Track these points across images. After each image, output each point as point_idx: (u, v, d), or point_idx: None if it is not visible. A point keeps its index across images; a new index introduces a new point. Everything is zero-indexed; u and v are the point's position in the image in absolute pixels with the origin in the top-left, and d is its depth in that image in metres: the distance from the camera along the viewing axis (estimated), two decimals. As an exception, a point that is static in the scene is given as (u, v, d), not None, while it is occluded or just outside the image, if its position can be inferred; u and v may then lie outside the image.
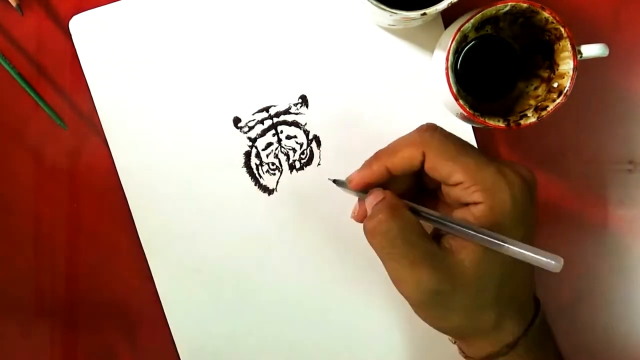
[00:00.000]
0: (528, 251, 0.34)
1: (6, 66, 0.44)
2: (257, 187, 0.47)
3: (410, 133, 0.39)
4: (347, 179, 0.40)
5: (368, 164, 0.39)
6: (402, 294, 0.37)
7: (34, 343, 0.49)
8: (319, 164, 0.47)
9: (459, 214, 0.37)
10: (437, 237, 0.38)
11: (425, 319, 0.38)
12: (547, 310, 0.48)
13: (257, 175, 0.47)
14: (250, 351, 0.48)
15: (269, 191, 0.47)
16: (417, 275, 0.35)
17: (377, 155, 0.39)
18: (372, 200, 0.38)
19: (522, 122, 0.40)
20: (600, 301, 0.49)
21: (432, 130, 0.38)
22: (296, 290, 0.47)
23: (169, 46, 0.46)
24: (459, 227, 0.36)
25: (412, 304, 0.37)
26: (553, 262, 0.33)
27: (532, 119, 0.40)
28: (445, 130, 0.39)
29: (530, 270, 0.39)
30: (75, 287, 0.49)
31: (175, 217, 0.47)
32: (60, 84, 0.47)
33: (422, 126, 0.39)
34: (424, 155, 0.37)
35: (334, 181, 0.41)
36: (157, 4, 0.46)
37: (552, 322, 0.48)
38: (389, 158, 0.38)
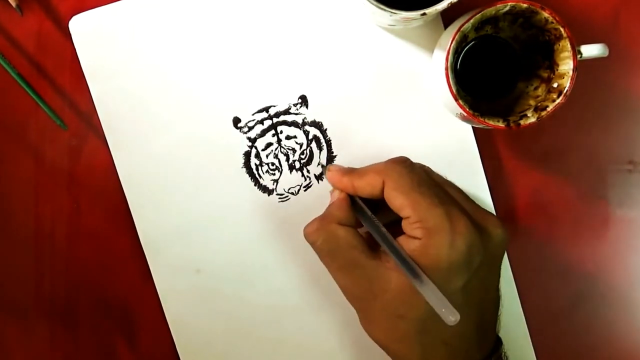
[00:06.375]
0: (433, 295, 0.35)
1: (6, 66, 0.44)
2: (256, 187, 0.47)
3: (381, 162, 0.41)
4: (328, 167, 0.43)
5: (341, 175, 0.41)
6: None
7: (34, 343, 0.49)
8: (318, 164, 0.47)
9: (402, 240, 0.38)
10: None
11: (361, 324, 0.40)
12: (546, 311, 0.48)
13: (256, 176, 0.47)
14: (249, 351, 0.48)
15: (268, 191, 0.47)
16: (341, 281, 0.39)
17: (350, 172, 0.41)
18: (331, 197, 0.42)
19: (522, 122, 0.40)
20: (600, 301, 0.49)
21: (397, 163, 0.40)
22: (296, 291, 0.47)
23: (168, 46, 0.46)
24: (388, 247, 0.37)
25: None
26: (450, 317, 0.34)
27: (532, 119, 0.40)
28: (412, 164, 0.40)
29: (472, 328, 0.38)
30: (75, 287, 0.49)
31: (175, 217, 0.47)
32: (60, 84, 0.47)
33: (393, 158, 0.41)
34: (384, 184, 0.38)
35: (323, 166, 0.46)
36: (157, 4, 0.46)
37: (551, 322, 0.48)
38: (357, 179, 0.40)
